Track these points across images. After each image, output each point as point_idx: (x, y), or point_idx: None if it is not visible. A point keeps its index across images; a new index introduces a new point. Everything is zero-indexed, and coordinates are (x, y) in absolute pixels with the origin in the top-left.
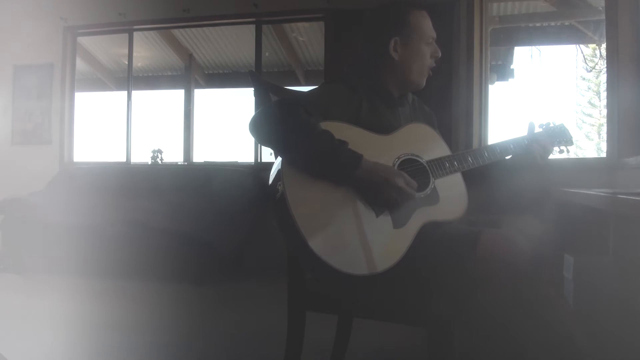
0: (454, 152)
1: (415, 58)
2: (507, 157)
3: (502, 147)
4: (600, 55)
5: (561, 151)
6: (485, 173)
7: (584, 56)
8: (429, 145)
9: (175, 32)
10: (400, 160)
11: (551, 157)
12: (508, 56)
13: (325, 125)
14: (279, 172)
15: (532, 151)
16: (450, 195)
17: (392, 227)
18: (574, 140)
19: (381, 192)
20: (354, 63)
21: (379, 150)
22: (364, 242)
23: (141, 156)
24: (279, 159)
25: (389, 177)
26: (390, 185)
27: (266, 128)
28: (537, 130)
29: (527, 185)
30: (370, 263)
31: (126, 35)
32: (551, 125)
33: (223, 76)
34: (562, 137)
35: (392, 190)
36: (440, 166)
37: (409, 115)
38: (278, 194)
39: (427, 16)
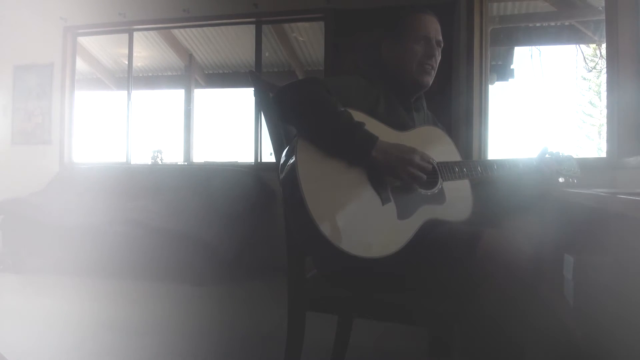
0: (463, 158)
1: (404, 57)
2: (515, 174)
3: (512, 164)
4: (601, 55)
5: (567, 181)
6: (490, 184)
7: (584, 56)
8: (441, 148)
9: (175, 32)
10: None
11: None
12: (508, 56)
13: None
14: (293, 152)
15: (543, 171)
16: (456, 198)
17: (396, 217)
18: (579, 172)
19: (398, 169)
20: (370, 61)
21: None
22: (368, 226)
23: (141, 156)
24: (294, 140)
25: (404, 154)
26: (406, 161)
27: (289, 103)
28: (547, 156)
29: (527, 198)
30: (369, 247)
31: (126, 35)
32: (560, 154)
33: (223, 76)
34: (570, 166)
35: (408, 165)
36: (449, 169)
37: (423, 122)
38: (290, 172)
39: (427, 18)
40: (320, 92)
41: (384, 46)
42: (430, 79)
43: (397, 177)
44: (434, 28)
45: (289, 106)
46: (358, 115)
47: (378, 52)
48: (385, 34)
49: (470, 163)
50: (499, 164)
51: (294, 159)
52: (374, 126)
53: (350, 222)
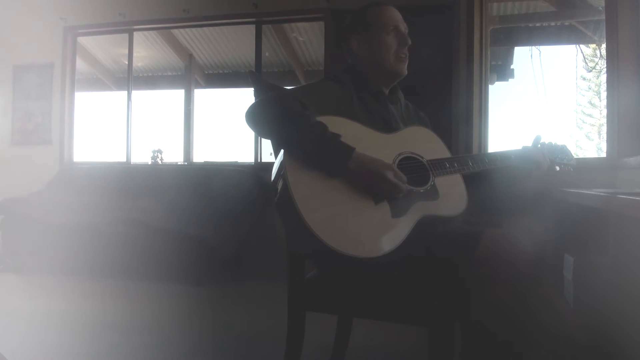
0: (455, 153)
1: (379, 49)
2: (508, 165)
3: (503, 156)
4: (600, 55)
5: (563, 169)
6: (485, 178)
7: (584, 56)
8: (429, 147)
9: (175, 32)
10: (401, 157)
11: (552, 169)
12: (508, 56)
13: (327, 120)
14: (282, 161)
15: (536, 160)
16: (449, 193)
17: (390, 215)
18: (575, 160)
19: (371, 185)
20: (342, 63)
21: (379, 146)
22: (362, 226)
23: (141, 156)
24: (282, 151)
25: (378, 170)
26: (380, 178)
27: (262, 120)
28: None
29: (528, 187)
30: (367, 247)
31: (126, 35)
32: (553, 144)
33: (223, 76)
34: (564, 154)
35: (382, 183)
36: (440, 165)
37: (403, 115)
38: (281, 181)
39: (390, 9)
40: (292, 106)
41: (355, 45)
42: (406, 68)
43: (371, 190)
44: (399, 17)
45: (263, 123)
46: (339, 121)
47: (349, 53)
48: (353, 33)
49: (461, 157)
50: (490, 157)
51: (283, 167)
52: (359, 130)
53: (345, 224)
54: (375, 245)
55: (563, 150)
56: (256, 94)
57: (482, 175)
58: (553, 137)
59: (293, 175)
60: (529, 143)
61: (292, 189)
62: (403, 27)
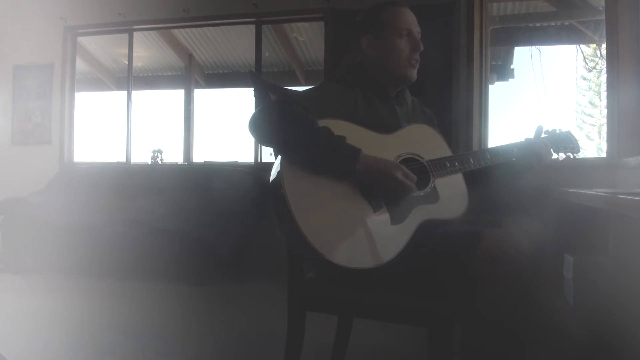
0: (455, 153)
1: (391, 52)
2: (511, 159)
3: (505, 150)
4: (600, 55)
5: (567, 157)
6: (487, 174)
7: (584, 56)
8: (430, 145)
9: (175, 32)
10: (401, 159)
11: (555, 159)
12: (508, 56)
13: (326, 123)
14: (279, 170)
15: (538, 152)
16: (450, 195)
17: (390, 222)
18: (580, 147)
19: (380, 185)
20: (348, 62)
21: (379, 148)
22: (361, 236)
23: (141, 156)
24: (280, 157)
25: (387, 170)
26: (389, 177)
27: (265, 126)
28: (543, 135)
29: (529, 186)
30: (367, 257)
31: (126, 35)
32: (557, 131)
33: (223, 76)
34: (568, 143)
35: (391, 182)
36: (440, 166)
37: (409, 114)
38: (278, 190)
39: (405, 11)
40: (296, 112)
41: (365, 45)
42: (416, 73)
43: (380, 190)
44: (413, 20)
45: (267, 130)
46: (340, 124)
47: (359, 52)
48: (364, 32)
49: (462, 156)
50: (492, 152)
51: (280, 177)
52: (357, 133)
53: (344, 235)
54: (375, 256)
55: (567, 137)
56: (256, 94)
57: (483, 171)
58: (557, 124)
59: (291, 186)
60: (532, 135)
61: (290, 200)
62: (416, 31)
